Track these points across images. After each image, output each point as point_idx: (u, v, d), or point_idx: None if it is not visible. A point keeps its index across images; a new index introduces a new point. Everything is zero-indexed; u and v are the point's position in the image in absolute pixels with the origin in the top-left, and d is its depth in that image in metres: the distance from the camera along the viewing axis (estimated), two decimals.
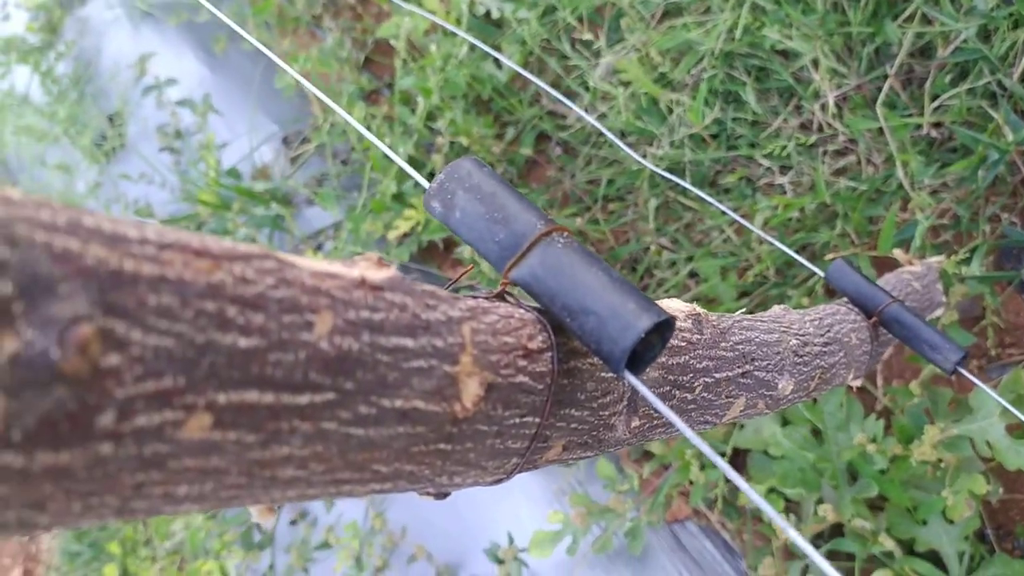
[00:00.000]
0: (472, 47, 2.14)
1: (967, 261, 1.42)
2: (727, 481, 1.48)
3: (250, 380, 0.23)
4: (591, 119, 1.09)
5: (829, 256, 1.57)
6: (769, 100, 1.73)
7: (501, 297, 0.39)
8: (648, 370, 0.44)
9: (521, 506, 1.66)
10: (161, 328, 0.21)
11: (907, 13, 1.54)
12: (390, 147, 2.02)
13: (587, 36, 1.88)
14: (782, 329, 0.62)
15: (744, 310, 1.60)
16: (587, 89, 1.94)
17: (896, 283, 1.04)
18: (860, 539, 1.36)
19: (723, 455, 1.50)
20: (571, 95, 2.03)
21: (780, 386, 0.60)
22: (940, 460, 1.29)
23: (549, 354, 0.37)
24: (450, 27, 1.22)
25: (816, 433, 1.45)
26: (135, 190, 2.52)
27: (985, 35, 1.50)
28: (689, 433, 0.34)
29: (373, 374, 0.27)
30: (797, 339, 0.63)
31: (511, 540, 1.61)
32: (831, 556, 1.44)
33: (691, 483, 1.44)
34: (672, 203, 1.84)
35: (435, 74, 1.96)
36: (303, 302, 0.25)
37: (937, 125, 1.55)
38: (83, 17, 2.90)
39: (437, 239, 2.00)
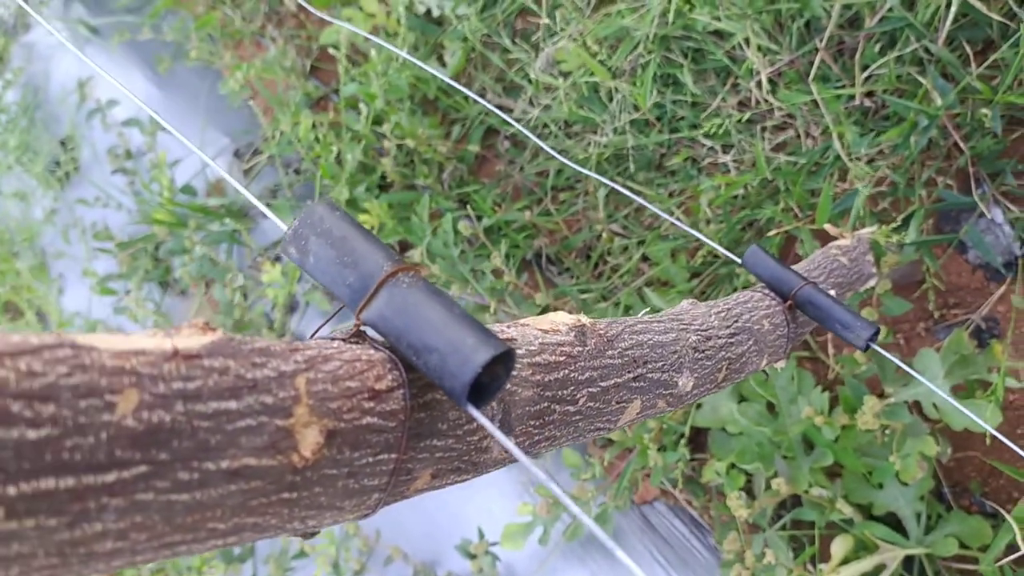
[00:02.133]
0: (415, 46, 2.15)
1: (902, 228, 1.44)
2: (689, 461, 1.51)
3: (44, 468, 0.24)
4: (523, 128, 1.10)
5: (773, 233, 1.59)
6: (707, 80, 1.75)
7: (360, 337, 0.41)
8: (520, 389, 0.45)
9: (492, 501, 1.68)
10: None
11: None
12: (339, 153, 2.03)
13: (544, 20, 1.88)
14: (680, 327, 0.63)
15: (697, 291, 1.62)
16: (530, 82, 1.95)
17: (823, 260, 1.06)
18: (819, 507, 1.39)
19: (682, 435, 1.52)
20: (515, 88, 2.04)
21: (680, 383, 0.62)
22: (886, 426, 1.31)
23: (401, 391, 0.38)
24: (383, 43, 1.22)
25: (771, 408, 1.47)
26: (92, 214, 2.52)
27: (910, 2, 1.52)
28: (521, 457, 0.36)
29: (192, 440, 0.29)
30: (698, 335, 0.65)
31: (481, 535, 1.63)
32: (793, 526, 1.47)
33: (651, 466, 1.46)
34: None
35: (377, 78, 1.96)
36: (102, 384, 0.26)
37: (869, 95, 1.57)
38: (29, 43, 2.88)
39: (393, 242, 2.01)
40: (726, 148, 1.73)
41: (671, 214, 1.77)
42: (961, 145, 1.46)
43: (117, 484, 0.26)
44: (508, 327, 0.47)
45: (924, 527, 1.39)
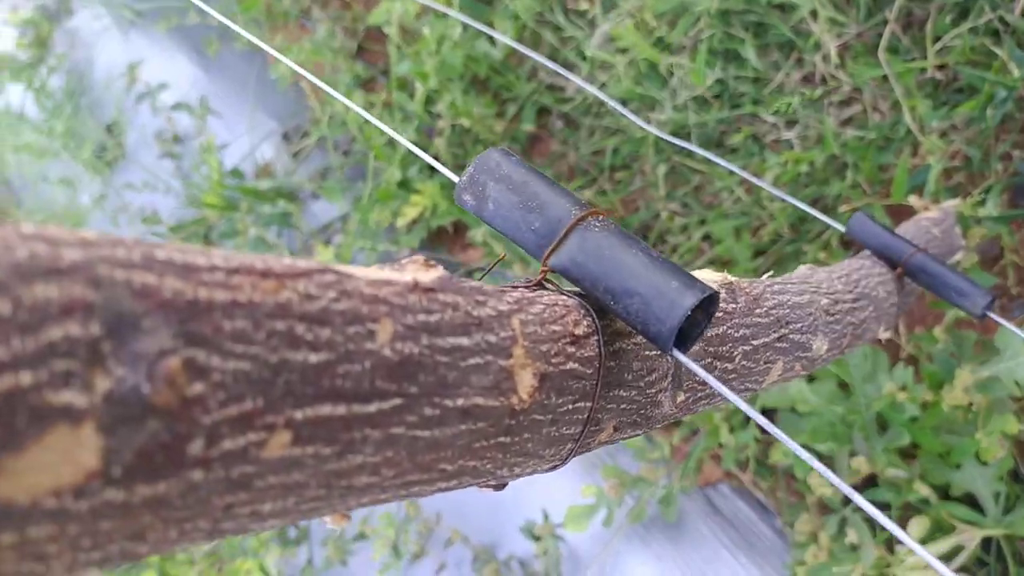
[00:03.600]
0: (465, 27, 2.13)
1: (982, 202, 1.41)
2: (758, 441, 1.49)
3: (323, 394, 0.23)
4: (592, 88, 1.08)
5: (843, 208, 1.56)
6: (769, 55, 1.72)
7: (541, 285, 0.39)
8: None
9: (553, 482, 1.67)
10: (238, 352, 0.21)
11: None
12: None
13: (583, 6, 1.87)
14: (812, 290, 0.62)
15: (762, 269, 1.60)
16: (584, 59, 1.93)
17: (916, 231, 1.04)
18: (895, 488, 1.37)
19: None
20: (569, 66, 2.02)
21: (815, 347, 0.60)
22: (971, 404, 1.29)
23: (595, 338, 0.37)
24: (441, 8, 1.21)
25: (843, 387, 1.45)
26: (140, 199, 2.52)
27: None
28: (738, 402, 0.34)
29: (434, 376, 0.28)
30: (827, 298, 0.63)
31: (546, 517, 1.62)
32: None
33: (721, 446, 1.44)
34: (679, 167, 1.84)
35: (430, 57, 1.95)
36: (364, 312, 0.25)
37: (942, 67, 1.53)
38: (72, 29, 2.89)
39: (447, 223, 2.00)
40: (790, 124, 1.70)
41: (732, 192, 1.75)
42: None
43: (377, 415, 0.25)
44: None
45: (1003, 508, 1.36)
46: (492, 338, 0.31)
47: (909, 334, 1.50)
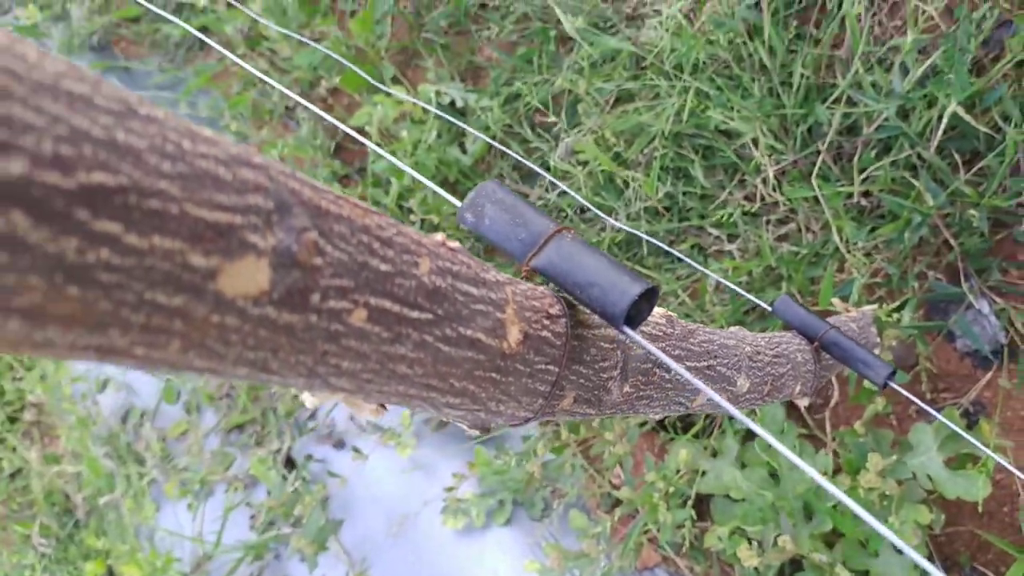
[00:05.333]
0: (439, 134, 2.30)
1: (899, 311, 1.56)
2: (694, 523, 1.58)
3: (387, 292, 0.34)
4: (562, 185, 1.23)
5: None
6: (715, 175, 1.90)
7: (526, 280, 0.51)
8: (634, 347, 0.55)
9: (499, 561, 1.73)
10: (340, 247, 0.31)
11: (834, 96, 1.73)
12: None
13: (552, 119, 2.04)
14: (738, 339, 0.74)
15: None
16: (548, 169, 2.10)
17: (837, 323, 1.18)
18: (818, 571, 1.46)
19: (687, 499, 1.60)
20: (533, 176, 2.19)
21: (739, 383, 0.72)
22: (886, 494, 1.40)
23: (564, 319, 0.48)
24: (423, 104, 1.35)
25: (773, 475, 1.56)
26: None
27: (904, 114, 1.68)
28: (678, 367, 0.46)
29: (453, 307, 0.38)
30: (751, 347, 0.75)
31: None
32: None
33: (658, 526, 1.53)
34: (634, 268, 1.98)
35: (406, 157, 2.10)
36: (412, 248, 0.36)
37: (866, 194, 1.72)
38: None
39: None
40: (732, 238, 1.86)
41: (678, 296, 1.90)
42: (951, 242, 1.60)
43: (416, 321, 0.36)
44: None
45: None
46: (492, 295, 0.42)
47: (833, 431, 1.63)
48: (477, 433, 0.48)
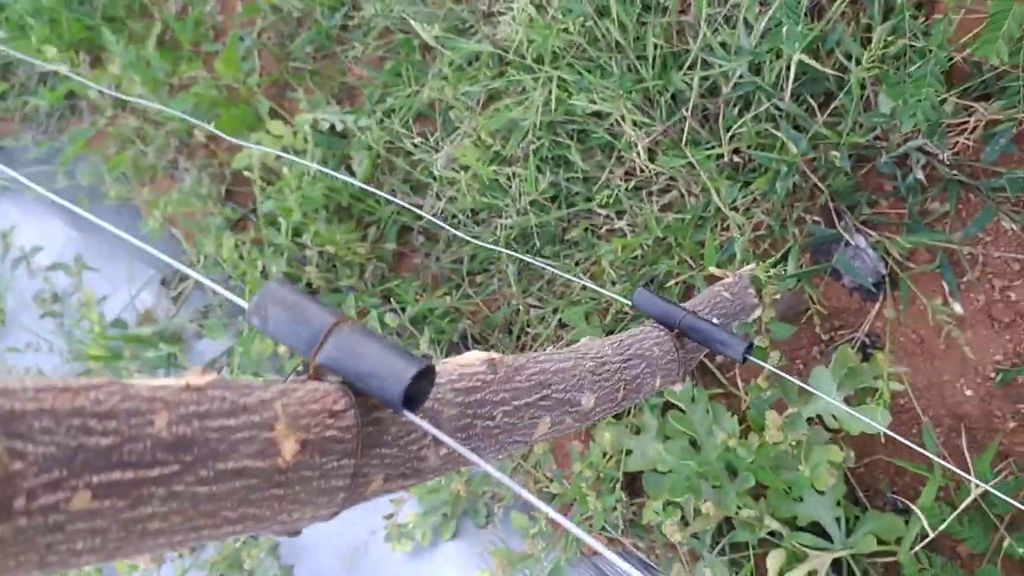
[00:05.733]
0: (324, 160, 2.29)
1: (783, 262, 1.61)
2: (628, 504, 1.62)
3: (113, 465, 0.35)
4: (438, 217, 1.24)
5: (672, 283, 1.75)
6: (593, 156, 1.92)
7: (317, 378, 0.52)
8: (445, 409, 0.57)
9: (448, 574, 1.75)
10: (45, 441, 0.33)
11: (689, 62, 1.77)
12: (264, 268, 2.14)
13: (429, 129, 2.05)
14: (578, 357, 0.76)
15: None
16: (435, 178, 2.10)
17: (708, 297, 1.21)
18: (749, 527, 1.51)
19: (617, 480, 1.64)
20: (423, 186, 2.19)
21: (583, 402, 0.74)
22: (798, 442, 1.45)
23: (352, 411, 0.50)
24: (290, 157, 1.35)
25: (694, 444, 1.60)
26: (24, 360, 2.55)
27: (756, 69, 1.73)
28: (455, 444, 0.48)
29: (206, 447, 0.40)
30: (594, 361, 0.78)
31: None
32: (732, 550, 1.58)
33: (592, 512, 1.56)
34: (531, 265, 2.01)
35: (292, 193, 2.09)
36: (144, 408, 0.37)
37: (736, 152, 1.76)
38: None
39: None
40: (619, 215, 1.90)
41: (580, 280, 1.93)
42: (820, 185, 1.65)
43: (159, 477, 0.37)
44: (434, 364, 0.59)
45: (845, 531, 1.52)
46: (256, 418, 0.43)
47: (745, 386, 1.67)
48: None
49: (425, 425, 0.48)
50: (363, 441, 0.50)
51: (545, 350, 0.75)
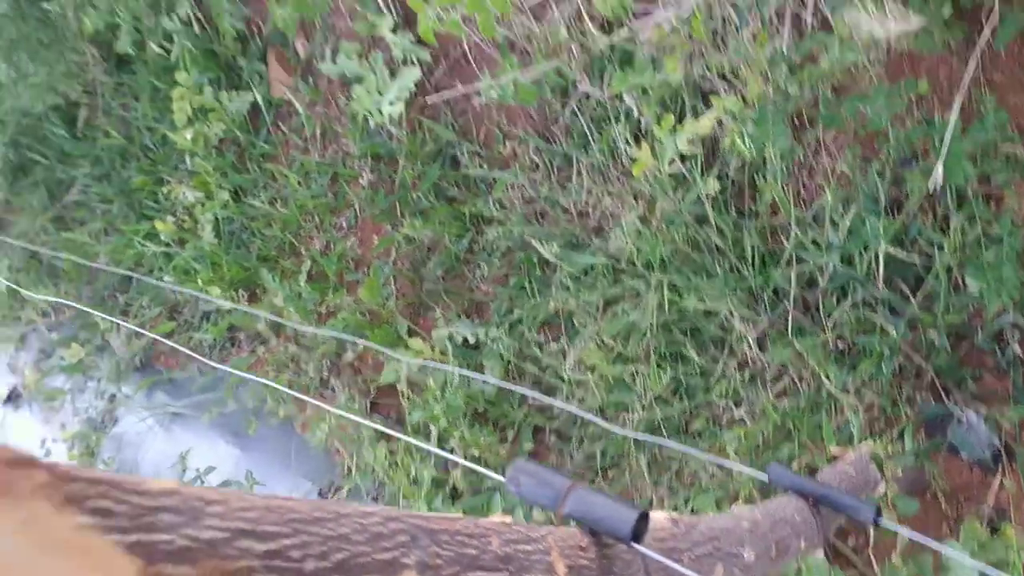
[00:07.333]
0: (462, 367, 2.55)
1: (900, 439, 1.75)
2: None
3: (476, 566, 0.55)
4: (570, 407, 1.45)
5: (794, 465, 1.89)
6: (708, 351, 2.13)
7: (565, 523, 0.72)
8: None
9: None
10: (447, 548, 0.53)
11: (785, 259, 1.99)
12: (415, 474, 2.36)
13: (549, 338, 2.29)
14: (735, 520, 0.94)
15: None
16: (563, 380, 2.33)
17: (834, 474, 1.36)
18: None
19: None
20: (552, 388, 2.42)
21: (745, 555, 0.91)
22: None
23: (596, 548, 0.69)
24: (436, 365, 1.60)
25: None
26: None
27: (848, 260, 1.93)
28: (671, 563, 0.66)
29: (518, 562, 0.60)
30: (748, 523, 0.95)
31: None
32: None
33: None
34: (660, 458, 2.17)
35: (437, 402, 2.34)
36: (486, 533, 0.58)
37: (839, 338, 1.94)
38: (118, 434, 3.30)
39: None
40: (737, 404, 2.07)
41: (707, 470, 2.08)
42: (923, 365, 1.81)
43: None
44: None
45: None
46: (540, 546, 0.63)
47: (879, 564, 1.76)
48: None
49: (651, 553, 0.67)
50: (601, 569, 0.69)
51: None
